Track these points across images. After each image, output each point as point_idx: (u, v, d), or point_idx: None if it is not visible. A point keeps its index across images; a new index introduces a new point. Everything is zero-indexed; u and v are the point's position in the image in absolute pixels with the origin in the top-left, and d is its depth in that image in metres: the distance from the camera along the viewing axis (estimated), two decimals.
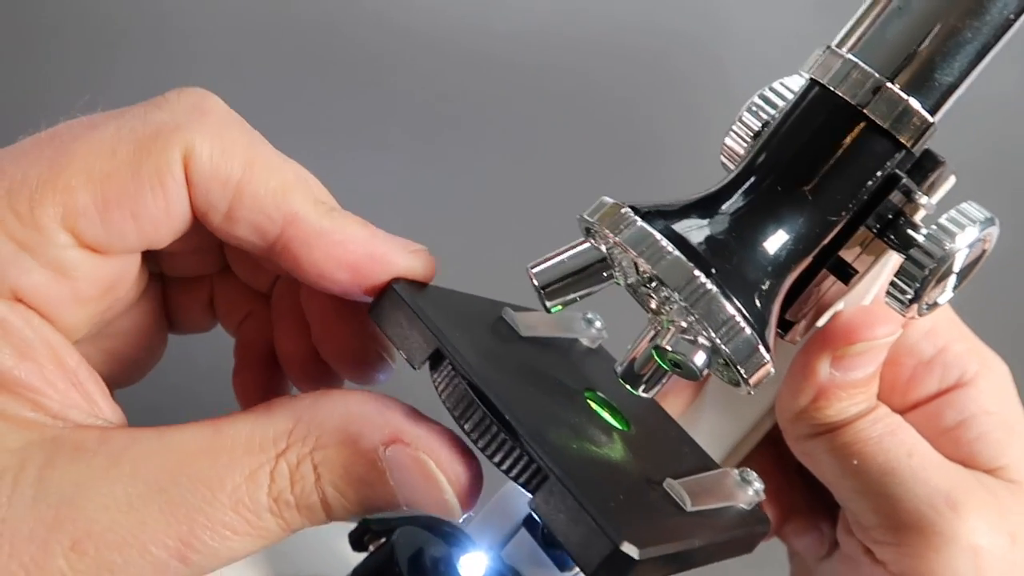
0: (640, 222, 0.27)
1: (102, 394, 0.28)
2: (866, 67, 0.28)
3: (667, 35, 0.65)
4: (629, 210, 0.28)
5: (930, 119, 0.28)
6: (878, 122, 0.28)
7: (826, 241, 0.29)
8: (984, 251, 0.30)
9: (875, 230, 0.30)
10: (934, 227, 0.29)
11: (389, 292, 0.30)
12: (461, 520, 0.28)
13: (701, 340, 0.27)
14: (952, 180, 0.32)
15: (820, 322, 0.35)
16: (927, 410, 0.38)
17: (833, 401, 0.36)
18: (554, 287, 0.29)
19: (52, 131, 0.28)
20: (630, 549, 0.24)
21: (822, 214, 0.28)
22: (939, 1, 0.27)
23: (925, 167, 0.30)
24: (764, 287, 0.28)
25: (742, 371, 0.27)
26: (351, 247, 0.29)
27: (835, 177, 0.28)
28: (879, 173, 0.28)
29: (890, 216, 0.30)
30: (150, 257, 0.32)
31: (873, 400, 0.36)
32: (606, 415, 0.31)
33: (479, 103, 0.66)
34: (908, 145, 0.28)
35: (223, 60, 0.63)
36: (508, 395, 0.27)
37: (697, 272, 0.26)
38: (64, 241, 0.27)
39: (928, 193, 0.30)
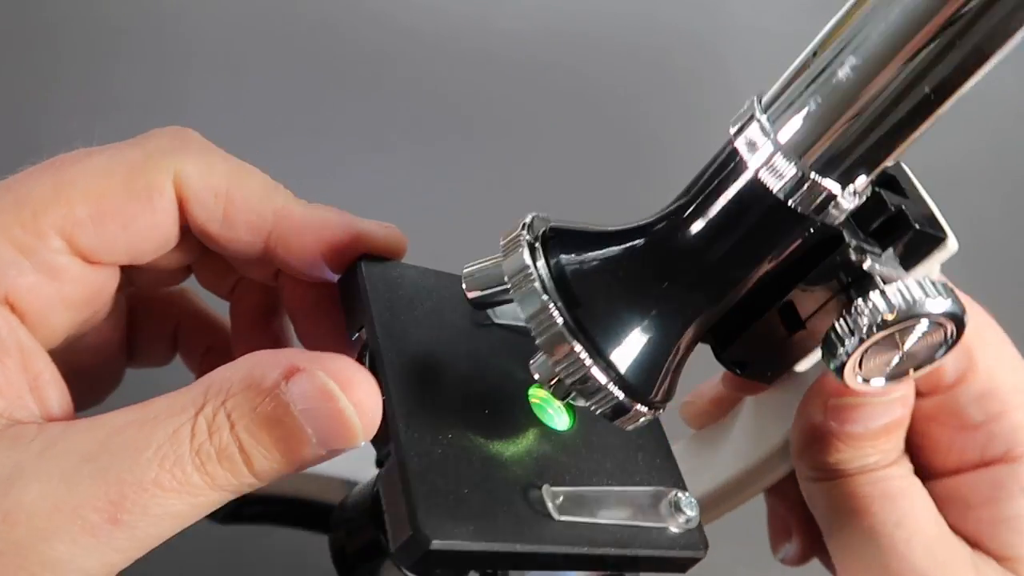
0: (535, 282, 0.28)
1: (60, 403, 0.30)
2: (766, 127, 0.26)
3: (670, 33, 0.65)
4: (530, 264, 0.28)
5: (832, 190, 0.26)
6: (771, 189, 0.26)
7: (740, 294, 0.28)
8: (942, 344, 0.29)
9: (835, 289, 0.29)
10: (880, 291, 0.27)
11: (352, 266, 0.32)
12: (361, 445, 0.28)
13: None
14: (949, 251, 0.30)
15: (799, 367, 0.34)
16: (964, 480, 0.35)
17: (832, 451, 0.34)
18: (481, 298, 0.30)
19: (53, 159, 0.32)
20: (425, 537, 0.25)
21: (721, 272, 0.28)
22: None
23: (897, 231, 0.29)
24: (657, 335, 0.28)
25: (617, 425, 0.28)
26: (332, 228, 0.33)
27: (730, 237, 0.27)
28: (778, 235, 0.27)
29: (845, 276, 0.29)
30: (124, 274, 0.35)
31: (889, 456, 0.34)
32: (549, 411, 0.32)
33: (480, 102, 0.66)
34: (803, 212, 0.26)
35: (223, 60, 0.63)
36: (405, 375, 0.29)
37: (577, 347, 0.27)
38: (59, 247, 0.31)
39: (909, 258, 0.29)
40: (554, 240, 0.29)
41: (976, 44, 0.24)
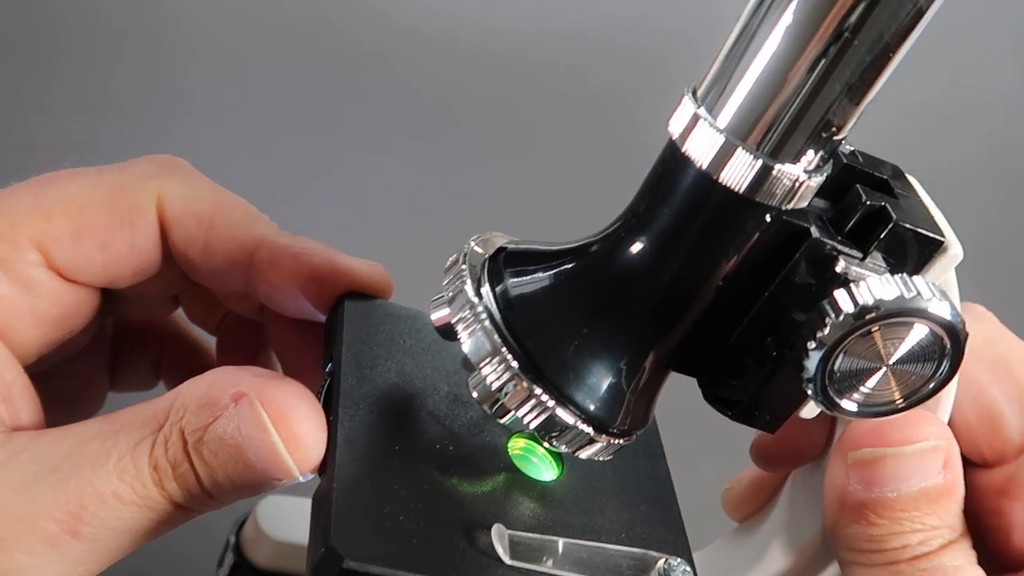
0: (486, 322, 0.27)
1: (30, 413, 0.30)
2: (709, 119, 0.25)
3: (668, 34, 0.64)
4: (474, 298, 0.27)
5: (780, 168, 0.24)
6: (716, 177, 0.25)
7: (700, 303, 0.27)
8: (935, 361, 0.25)
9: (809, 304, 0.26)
10: (847, 289, 0.25)
11: (337, 303, 0.32)
12: (302, 479, 0.28)
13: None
14: (952, 256, 0.27)
15: (804, 412, 0.30)
16: None
17: (866, 524, 0.29)
18: (444, 328, 0.29)
19: (38, 177, 0.32)
20: (337, 555, 0.24)
21: (675, 280, 0.26)
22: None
23: (876, 229, 0.26)
24: (614, 359, 0.27)
25: (582, 456, 0.28)
26: (312, 257, 0.32)
27: (675, 237, 0.26)
28: (730, 225, 0.25)
29: (818, 283, 0.26)
30: (106, 300, 0.35)
31: (939, 536, 0.28)
32: (533, 460, 0.31)
33: (480, 102, 0.66)
34: (744, 194, 0.25)
35: (223, 60, 0.63)
36: (359, 404, 0.29)
37: (537, 390, 0.27)
38: (34, 259, 0.30)
39: (904, 265, 0.27)
40: (500, 265, 0.28)
41: None
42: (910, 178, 0.29)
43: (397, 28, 0.64)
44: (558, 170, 0.67)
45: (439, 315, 0.28)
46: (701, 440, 0.47)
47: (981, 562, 0.29)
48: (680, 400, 0.32)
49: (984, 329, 0.32)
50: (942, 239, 0.27)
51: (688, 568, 0.28)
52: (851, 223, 0.27)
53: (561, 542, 0.28)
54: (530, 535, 0.28)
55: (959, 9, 0.61)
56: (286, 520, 0.46)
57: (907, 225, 0.27)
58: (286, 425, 0.27)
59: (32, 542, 0.26)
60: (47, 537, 0.26)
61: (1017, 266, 0.70)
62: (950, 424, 0.31)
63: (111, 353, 0.39)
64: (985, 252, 0.67)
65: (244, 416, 0.27)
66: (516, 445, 0.31)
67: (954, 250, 0.27)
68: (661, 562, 0.28)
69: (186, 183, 0.33)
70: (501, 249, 0.29)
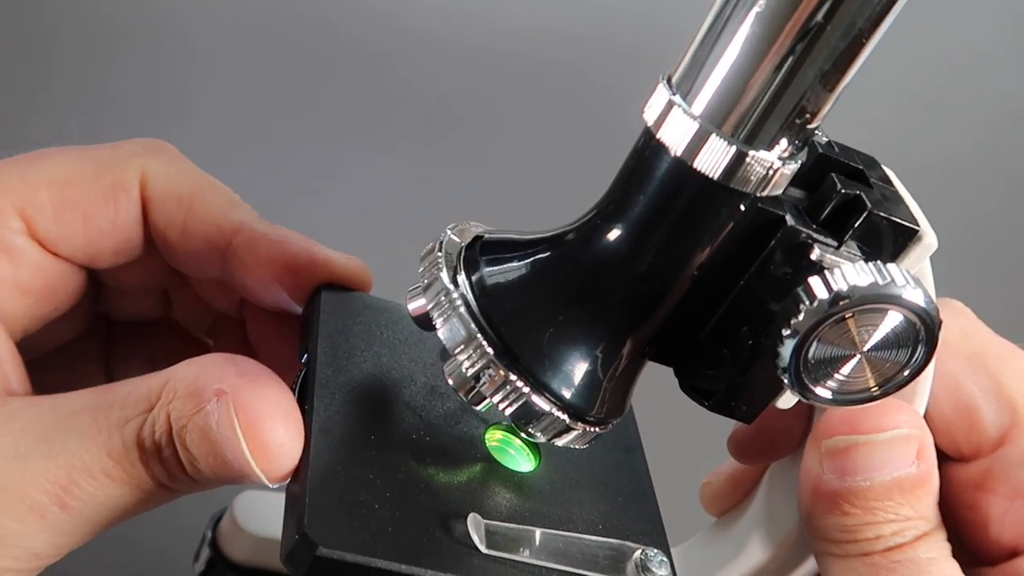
0: (462, 309, 0.27)
1: (18, 378, 0.30)
2: (684, 106, 0.25)
3: (671, 33, 0.64)
4: (451, 287, 0.27)
5: (754, 154, 0.24)
6: (690, 163, 0.25)
7: (676, 291, 0.27)
8: (910, 349, 0.25)
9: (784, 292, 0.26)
10: (821, 276, 0.25)
11: (313, 295, 0.32)
12: (272, 488, 0.28)
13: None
14: (926, 246, 0.27)
15: (781, 403, 0.29)
16: None
17: (839, 514, 0.28)
18: (420, 318, 0.29)
19: (27, 153, 0.32)
20: (311, 542, 0.24)
21: (651, 267, 0.26)
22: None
23: (851, 217, 0.26)
24: (591, 348, 0.27)
25: (558, 444, 0.28)
26: (290, 246, 0.32)
27: (649, 224, 0.26)
28: (704, 211, 0.25)
29: (793, 271, 0.26)
30: (94, 289, 0.35)
31: (914, 528, 0.28)
32: (510, 451, 0.31)
33: (481, 102, 0.66)
34: (713, 177, 0.25)
35: (223, 60, 0.63)
36: (334, 394, 0.28)
37: (513, 377, 0.27)
38: (16, 227, 0.31)
39: (880, 254, 0.27)
40: (477, 253, 0.28)
41: None
42: (886, 169, 0.29)
43: (398, 27, 0.64)
44: (560, 169, 0.67)
45: (415, 305, 0.28)
46: (680, 434, 0.47)
47: (957, 555, 0.29)
48: (658, 394, 0.32)
49: (961, 324, 0.32)
50: (916, 228, 0.27)
51: (665, 559, 0.28)
52: (826, 211, 0.27)
53: (538, 532, 0.28)
54: (507, 525, 0.28)
55: (958, 7, 0.61)
56: (263, 515, 0.46)
57: (881, 214, 0.27)
58: (256, 435, 0.27)
59: (21, 510, 0.26)
60: (36, 507, 0.26)
61: (1014, 264, 0.70)
62: (927, 418, 0.30)
63: (106, 350, 0.39)
64: (982, 246, 0.67)
65: (221, 415, 0.27)
66: (493, 436, 0.31)
67: (929, 239, 0.27)
68: (638, 553, 0.28)
69: (170, 164, 0.33)
70: (478, 238, 0.29)
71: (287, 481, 0.28)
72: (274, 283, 0.33)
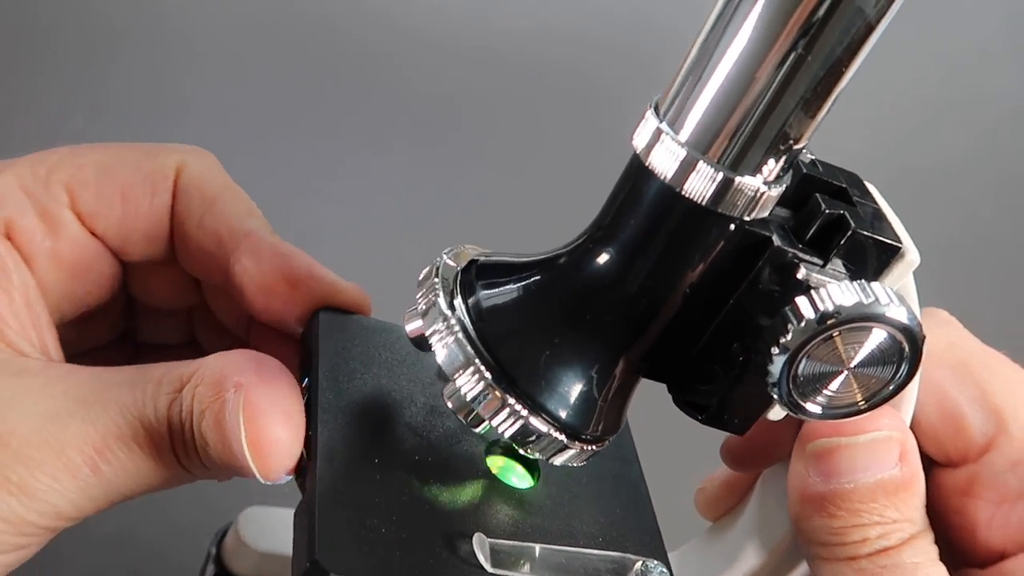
0: (460, 334, 0.27)
1: (54, 343, 0.32)
2: (671, 133, 0.25)
3: (670, 34, 0.64)
4: (448, 312, 0.28)
5: (741, 180, 0.25)
6: (679, 189, 0.25)
7: (667, 311, 0.27)
8: (900, 372, 0.26)
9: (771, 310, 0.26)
10: (808, 296, 0.25)
11: (312, 318, 0.33)
12: (265, 483, 0.29)
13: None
14: (909, 262, 0.28)
15: (771, 415, 0.30)
16: (1014, 566, 0.30)
17: (827, 516, 0.29)
18: (417, 339, 0.29)
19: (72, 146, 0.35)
20: (322, 568, 0.25)
21: (641, 290, 0.27)
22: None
23: (836, 236, 0.27)
24: (585, 368, 0.28)
25: (556, 463, 0.28)
26: (293, 259, 0.33)
27: (640, 248, 0.26)
28: (694, 236, 0.26)
29: (780, 291, 0.27)
30: (129, 314, 0.37)
31: (899, 531, 0.29)
32: (510, 469, 0.31)
33: (482, 101, 0.66)
34: (700, 203, 0.25)
35: (223, 60, 0.63)
36: (338, 417, 0.29)
37: (511, 400, 0.27)
38: (63, 200, 0.33)
39: (864, 272, 0.27)
40: (472, 277, 0.29)
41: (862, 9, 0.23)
42: (869, 185, 0.30)
43: (398, 27, 0.64)
44: (560, 169, 0.67)
45: (413, 326, 0.29)
46: (674, 443, 0.48)
47: (946, 559, 0.29)
48: (652, 405, 0.33)
49: (947, 333, 0.32)
50: (899, 245, 0.28)
51: (665, 570, 0.29)
52: (811, 231, 0.27)
53: (540, 548, 0.29)
54: (510, 542, 0.28)
55: (957, 7, 0.60)
56: (268, 531, 0.46)
57: (865, 233, 0.27)
58: (254, 430, 0.28)
59: (56, 467, 0.27)
60: (70, 466, 0.27)
61: (1017, 265, 0.70)
62: (915, 426, 0.31)
63: (135, 339, 0.40)
64: (980, 246, 0.67)
65: (234, 407, 0.28)
66: (493, 456, 0.31)
67: (911, 255, 0.28)
68: (638, 564, 0.29)
69: (205, 165, 0.35)
70: (473, 261, 0.30)
71: (284, 481, 0.29)
72: (270, 291, 0.33)
